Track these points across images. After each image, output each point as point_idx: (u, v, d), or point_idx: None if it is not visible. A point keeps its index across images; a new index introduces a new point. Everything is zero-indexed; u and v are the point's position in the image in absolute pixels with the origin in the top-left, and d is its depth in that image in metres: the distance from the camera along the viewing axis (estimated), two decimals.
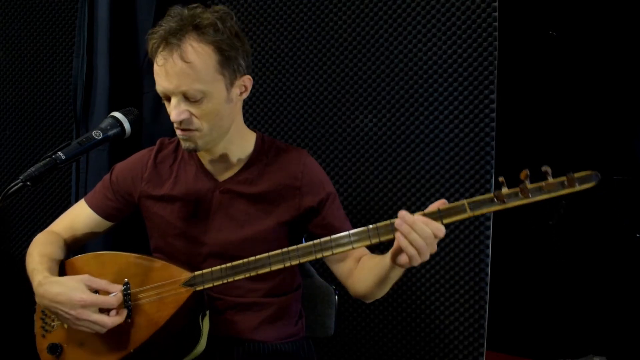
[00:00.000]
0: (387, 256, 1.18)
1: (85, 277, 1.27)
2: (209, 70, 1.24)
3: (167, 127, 1.89)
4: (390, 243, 1.15)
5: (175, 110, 1.25)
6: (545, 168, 1.05)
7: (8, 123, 2.39)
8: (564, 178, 1.05)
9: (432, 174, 1.81)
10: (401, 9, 1.82)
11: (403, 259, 1.11)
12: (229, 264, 1.25)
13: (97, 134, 1.24)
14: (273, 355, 1.40)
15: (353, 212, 1.91)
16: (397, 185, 1.86)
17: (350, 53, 1.90)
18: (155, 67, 1.25)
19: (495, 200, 1.09)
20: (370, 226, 1.15)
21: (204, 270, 1.27)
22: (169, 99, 1.27)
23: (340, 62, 1.92)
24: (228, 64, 1.26)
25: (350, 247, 1.18)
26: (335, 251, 1.18)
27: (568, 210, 2.37)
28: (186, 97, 1.24)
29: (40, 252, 1.36)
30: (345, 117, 1.92)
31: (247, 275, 1.23)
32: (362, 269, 1.34)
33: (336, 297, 1.61)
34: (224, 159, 1.38)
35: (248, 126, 1.44)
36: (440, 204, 1.12)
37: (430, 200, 1.81)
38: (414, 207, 1.83)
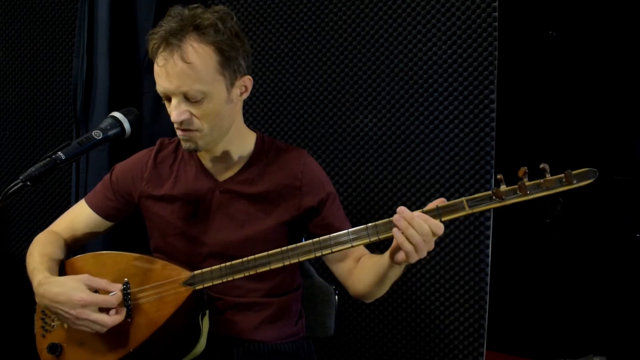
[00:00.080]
0: (386, 255, 1.18)
1: (85, 276, 1.27)
2: (210, 71, 1.24)
3: (167, 127, 1.89)
4: (390, 242, 1.15)
5: (176, 111, 1.25)
6: (543, 165, 1.05)
7: (8, 123, 2.39)
8: (561, 175, 1.06)
9: (432, 173, 1.81)
10: (401, 9, 1.82)
11: (400, 256, 1.12)
12: (228, 263, 1.25)
13: (97, 134, 1.24)
14: (273, 355, 1.40)
15: (353, 212, 1.91)
16: (397, 185, 1.86)
17: (350, 53, 1.90)
18: (156, 68, 1.25)
19: (494, 197, 1.09)
20: (370, 224, 1.16)
21: (204, 270, 1.27)
22: (169, 100, 1.27)
23: (340, 62, 1.92)
24: (228, 64, 1.26)
25: (349, 245, 1.18)
26: (334, 249, 1.19)
27: (568, 211, 2.36)
28: (187, 98, 1.24)
29: (41, 252, 1.36)
30: (345, 117, 1.92)
31: (247, 274, 1.24)
32: (361, 269, 1.34)
33: (336, 297, 1.61)
34: (224, 159, 1.39)
35: (248, 126, 1.44)
36: (439, 202, 1.12)
37: (430, 200, 1.78)
38: (414, 207, 1.81)
